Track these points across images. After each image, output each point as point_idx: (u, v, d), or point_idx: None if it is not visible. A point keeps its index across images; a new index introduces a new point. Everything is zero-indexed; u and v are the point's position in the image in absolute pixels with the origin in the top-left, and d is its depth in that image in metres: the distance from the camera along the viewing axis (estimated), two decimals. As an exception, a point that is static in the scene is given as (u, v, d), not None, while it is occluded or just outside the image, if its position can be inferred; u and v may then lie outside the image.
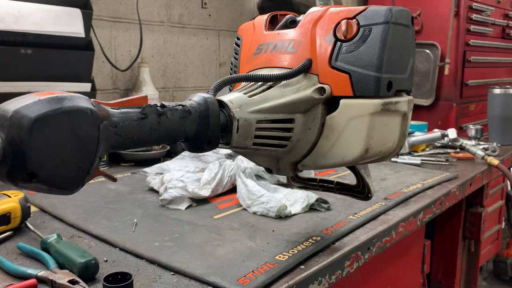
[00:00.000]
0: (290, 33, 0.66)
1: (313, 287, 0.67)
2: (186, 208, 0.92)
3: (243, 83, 0.66)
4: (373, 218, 0.88)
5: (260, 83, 0.63)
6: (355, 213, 0.88)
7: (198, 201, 0.96)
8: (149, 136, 0.51)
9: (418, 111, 2.45)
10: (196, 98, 0.56)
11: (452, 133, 1.50)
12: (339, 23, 0.61)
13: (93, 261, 0.63)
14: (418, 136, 1.54)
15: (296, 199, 0.92)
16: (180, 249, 0.72)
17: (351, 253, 0.75)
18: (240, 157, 1.11)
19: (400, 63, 0.62)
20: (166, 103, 0.53)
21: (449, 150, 1.52)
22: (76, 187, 0.46)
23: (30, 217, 0.81)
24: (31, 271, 0.62)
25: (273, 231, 0.80)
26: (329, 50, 0.61)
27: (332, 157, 0.63)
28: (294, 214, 0.88)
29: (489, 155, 1.40)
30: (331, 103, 0.62)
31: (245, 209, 0.91)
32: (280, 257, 0.68)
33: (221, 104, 0.58)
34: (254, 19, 0.75)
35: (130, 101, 0.51)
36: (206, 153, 1.03)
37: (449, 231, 1.52)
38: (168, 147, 1.39)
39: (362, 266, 0.78)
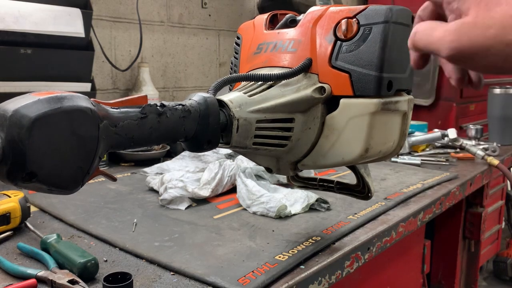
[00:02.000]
0: (290, 33, 0.66)
1: (313, 287, 0.67)
2: (186, 208, 0.92)
3: (243, 83, 0.66)
4: (373, 218, 0.88)
5: (260, 82, 0.63)
6: (355, 213, 0.88)
7: (198, 201, 0.96)
8: (149, 136, 0.51)
9: (418, 111, 2.45)
10: (196, 97, 0.56)
11: (452, 133, 1.50)
12: (339, 22, 0.61)
13: (92, 261, 0.63)
14: (418, 136, 1.53)
15: (296, 199, 0.92)
16: (180, 249, 0.72)
17: (351, 253, 0.75)
18: (240, 157, 1.11)
19: (400, 63, 0.62)
20: (166, 103, 0.53)
21: (449, 150, 1.52)
22: (75, 187, 0.46)
23: (30, 217, 0.81)
24: (31, 271, 0.62)
25: (273, 231, 0.80)
26: (329, 50, 0.61)
27: (332, 157, 0.63)
28: (294, 214, 0.88)
29: (489, 155, 1.40)
30: (331, 103, 0.62)
31: (245, 209, 0.91)
32: (280, 257, 0.68)
33: (221, 103, 0.58)
34: (254, 18, 0.75)
35: (130, 101, 0.51)
36: (206, 153, 1.03)
37: (449, 231, 1.51)
38: (168, 147, 1.39)
39: (362, 266, 0.78)
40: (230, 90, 0.73)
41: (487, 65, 0.40)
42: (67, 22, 1.20)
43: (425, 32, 0.43)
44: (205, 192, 0.96)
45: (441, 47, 0.41)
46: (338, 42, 0.61)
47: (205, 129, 0.55)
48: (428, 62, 0.49)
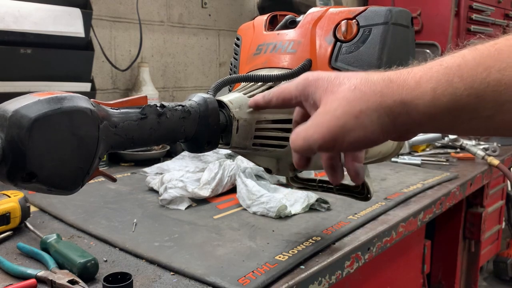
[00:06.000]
0: (290, 34, 0.66)
1: (313, 287, 0.67)
2: (186, 208, 0.92)
3: (243, 84, 0.66)
4: (373, 218, 0.88)
5: (260, 83, 0.63)
6: (355, 213, 0.88)
7: (198, 201, 0.96)
8: (149, 136, 0.51)
9: (418, 111, 2.44)
10: (196, 98, 0.56)
11: (452, 133, 1.50)
12: (339, 23, 0.61)
13: (92, 261, 0.63)
14: (418, 136, 1.53)
15: (296, 199, 0.92)
16: (180, 249, 0.72)
17: (351, 253, 0.75)
18: (240, 157, 1.11)
19: (400, 64, 0.62)
20: (165, 103, 0.53)
21: (449, 150, 1.52)
22: (75, 187, 0.46)
23: (29, 217, 0.81)
24: (30, 271, 0.62)
25: (273, 231, 0.80)
26: (329, 51, 0.61)
27: (332, 157, 0.63)
28: (294, 214, 0.88)
29: (489, 155, 1.40)
30: (331, 103, 0.62)
31: (245, 209, 0.91)
32: (280, 257, 0.68)
33: (221, 104, 0.58)
34: (254, 19, 0.75)
35: (130, 101, 0.51)
36: (206, 153, 1.03)
37: (449, 231, 1.52)
38: (168, 147, 1.39)
39: (362, 266, 0.78)
40: (230, 90, 0.73)
41: (353, 141, 0.41)
42: (67, 22, 1.20)
43: (295, 138, 0.46)
44: (205, 192, 0.97)
45: (311, 145, 0.43)
46: (338, 43, 0.61)
47: (205, 130, 0.55)
48: (310, 161, 0.53)
